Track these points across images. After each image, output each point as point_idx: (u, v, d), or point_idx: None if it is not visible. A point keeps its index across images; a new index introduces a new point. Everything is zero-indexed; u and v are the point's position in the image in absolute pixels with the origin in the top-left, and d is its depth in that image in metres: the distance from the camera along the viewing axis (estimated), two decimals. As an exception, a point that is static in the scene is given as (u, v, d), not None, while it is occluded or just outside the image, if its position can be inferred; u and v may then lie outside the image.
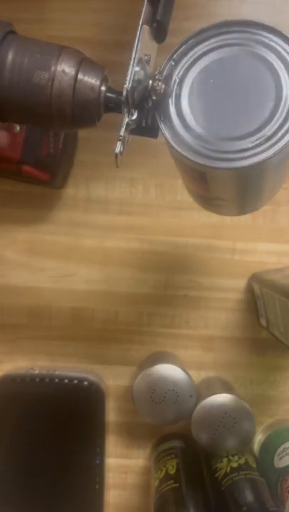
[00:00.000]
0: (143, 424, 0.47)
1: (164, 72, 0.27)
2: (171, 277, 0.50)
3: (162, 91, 0.26)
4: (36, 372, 0.47)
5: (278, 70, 0.25)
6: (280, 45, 0.26)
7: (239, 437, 0.44)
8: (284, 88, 0.25)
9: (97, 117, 0.27)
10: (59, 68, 0.25)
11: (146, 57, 0.27)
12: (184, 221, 0.50)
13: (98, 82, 0.26)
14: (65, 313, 0.51)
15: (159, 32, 0.29)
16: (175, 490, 0.42)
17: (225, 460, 0.44)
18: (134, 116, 0.26)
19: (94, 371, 0.49)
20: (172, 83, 0.26)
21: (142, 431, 0.50)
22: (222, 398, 0.44)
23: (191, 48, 0.27)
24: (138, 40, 0.26)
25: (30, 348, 0.51)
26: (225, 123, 0.25)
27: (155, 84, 0.26)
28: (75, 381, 0.46)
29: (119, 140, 0.26)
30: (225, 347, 0.50)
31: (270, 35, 0.26)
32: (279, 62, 0.25)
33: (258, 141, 0.25)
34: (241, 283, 0.50)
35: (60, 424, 0.46)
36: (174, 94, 0.26)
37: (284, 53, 0.26)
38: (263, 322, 0.48)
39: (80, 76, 0.26)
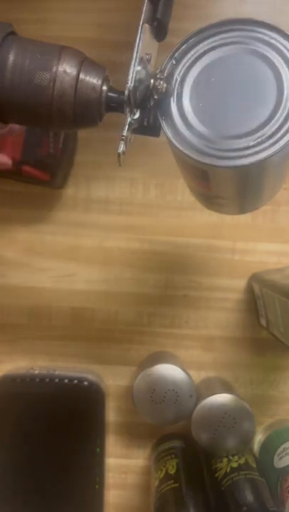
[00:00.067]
0: (143, 424, 0.47)
1: (166, 71, 0.27)
2: (171, 277, 0.50)
3: (164, 90, 0.26)
4: (36, 372, 0.47)
5: (279, 68, 0.25)
6: (280, 43, 0.26)
7: (239, 437, 0.44)
8: (285, 86, 0.25)
9: (98, 117, 0.27)
10: (60, 68, 0.25)
11: (147, 57, 0.27)
12: (184, 221, 0.50)
13: (100, 82, 0.26)
14: (65, 313, 0.51)
15: (160, 30, 0.29)
16: (175, 490, 0.42)
17: (225, 460, 0.44)
18: (137, 116, 0.27)
19: (94, 371, 0.49)
20: (174, 82, 0.26)
21: (142, 431, 0.50)
22: (222, 398, 0.44)
23: (192, 47, 0.27)
24: (139, 39, 0.26)
25: (30, 348, 0.51)
26: (226, 121, 0.25)
27: (157, 84, 0.26)
28: (75, 381, 0.46)
29: (122, 140, 0.26)
30: (225, 347, 0.50)
31: (271, 33, 0.26)
32: (280, 60, 0.25)
33: (259, 140, 0.25)
34: (241, 283, 0.50)
35: (60, 424, 0.46)
36: (175, 93, 0.26)
37: (285, 51, 0.26)
38: (263, 322, 0.48)
39: (81, 76, 0.26)
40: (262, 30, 0.26)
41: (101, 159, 0.50)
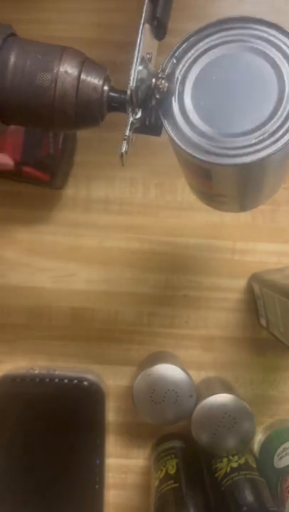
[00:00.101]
0: (143, 424, 0.47)
1: (167, 70, 0.27)
2: (171, 277, 0.50)
3: (165, 89, 0.26)
4: (36, 372, 0.47)
5: (280, 65, 0.25)
6: (281, 40, 0.26)
7: (239, 437, 0.44)
8: (286, 83, 0.25)
9: (100, 117, 0.27)
10: (62, 69, 0.25)
11: (148, 56, 0.27)
12: (184, 221, 0.50)
13: (101, 82, 0.26)
14: (65, 313, 0.51)
15: (159, 30, 0.29)
16: (175, 490, 0.42)
17: (225, 460, 0.44)
18: (139, 115, 0.27)
19: (94, 371, 0.49)
20: (175, 81, 0.26)
21: (142, 431, 0.50)
22: (222, 398, 0.44)
23: (193, 46, 0.27)
24: (140, 38, 0.26)
25: (30, 348, 0.51)
26: (228, 119, 0.25)
27: (158, 83, 0.26)
28: (75, 381, 0.46)
29: (125, 139, 0.26)
30: (225, 347, 0.50)
31: (271, 30, 0.26)
32: (281, 57, 0.25)
33: (261, 137, 0.25)
34: (241, 283, 0.50)
35: (60, 424, 0.46)
36: (176, 92, 0.26)
37: (285, 48, 0.26)
38: (263, 322, 0.48)
39: (82, 76, 0.26)
40: (262, 27, 0.26)
41: (101, 159, 0.50)
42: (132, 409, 0.46)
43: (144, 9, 0.27)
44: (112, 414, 0.50)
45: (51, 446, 0.46)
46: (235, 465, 0.43)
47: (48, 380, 0.46)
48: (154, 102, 0.26)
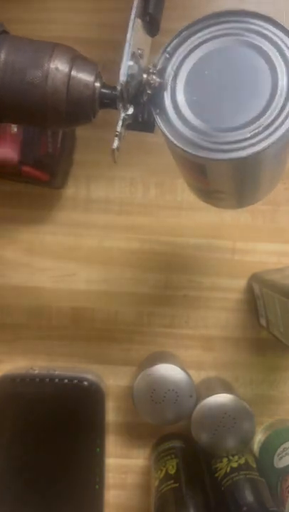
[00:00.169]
0: (143, 424, 0.47)
1: (159, 66, 0.26)
2: (171, 277, 0.50)
3: (157, 84, 0.26)
4: (36, 372, 0.47)
5: (273, 59, 0.25)
6: (273, 33, 0.25)
7: (239, 437, 0.44)
8: (280, 76, 0.25)
9: (92, 114, 0.27)
10: (52, 66, 0.25)
11: (139, 52, 0.27)
12: (183, 221, 0.50)
13: (92, 79, 0.26)
14: (65, 313, 0.51)
15: (152, 25, 0.29)
16: (175, 490, 0.42)
17: (225, 460, 0.44)
18: (130, 111, 0.26)
19: (94, 371, 0.49)
20: (167, 76, 0.26)
21: (142, 431, 0.50)
22: (222, 398, 0.44)
23: (185, 40, 0.26)
24: (130, 34, 0.26)
25: (30, 348, 0.51)
26: (221, 114, 0.25)
27: (149, 78, 0.26)
28: (75, 381, 0.46)
29: (116, 136, 0.26)
30: (225, 347, 0.50)
31: (264, 24, 0.26)
32: (274, 51, 0.25)
33: (255, 131, 0.25)
34: (241, 283, 0.50)
35: (60, 424, 0.46)
36: (169, 87, 0.26)
37: (278, 41, 0.25)
38: (263, 322, 0.48)
39: (73, 73, 0.26)
40: (254, 21, 0.26)
41: (101, 159, 0.50)
42: (132, 409, 0.46)
43: (135, 4, 0.27)
44: (112, 414, 0.50)
45: (51, 446, 0.46)
46: (235, 465, 0.43)
47: (48, 380, 0.46)
48: (145, 98, 0.26)
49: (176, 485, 0.42)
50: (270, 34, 0.25)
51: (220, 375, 0.50)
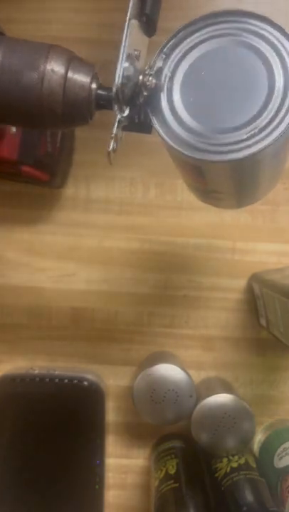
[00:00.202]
0: (143, 424, 0.47)
1: (155, 67, 0.26)
2: (171, 277, 0.50)
3: (153, 86, 0.26)
4: (36, 372, 0.47)
5: (270, 59, 0.25)
6: (271, 33, 0.25)
7: (239, 437, 0.44)
8: (276, 78, 0.25)
9: (88, 115, 0.27)
10: (48, 67, 0.25)
11: (136, 53, 0.27)
12: (183, 221, 0.50)
13: (88, 80, 0.26)
14: (65, 313, 0.51)
15: (149, 26, 0.29)
16: (175, 490, 0.42)
17: (225, 460, 0.44)
18: (126, 113, 0.26)
19: (94, 371, 0.49)
20: (163, 77, 0.26)
21: (142, 431, 0.50)
22: (222, 398, 0.44)
23: (182, 41, 0.26)
24: (126, 35, 0.26)
25: (30, 348, 0.51)
26: (218, 115, 0.25)
27: (145, 80, 0.26)
28: (75, 381, 0.46)
29: (112, 138, 0.26)
30: (225, 347, 0.50)
31: (260, 24, 0.25)
32: (271, 51, 0.25)
33: (252, 132, 0.24)
34: (241, 283, 0.50)
35: (60, 424, 0.46)
36: (165, 88, 0.26)
37: (275, 41, 0.25)
38: (263, 322, 0.48)
39: (69, 74, 0.25)
40: (251, 21, 0.26)
41: (101, 159, 0.49)
42: (132, 409, 0.46)
43: (130, 5, 0.27)
44: (112, 414, 0.50)
45: (51, 446, 0.46)
46: (235, 465, 0.43)
47: (48, 380, 0.46)
48: (141, 100, 0.26)
49: (176, 485, 0.42)
50: (267, 34, 0.25)
51: (220, 375, 0.50)
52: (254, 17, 0.26)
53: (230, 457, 0.44)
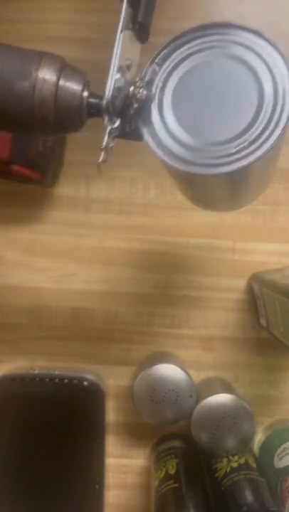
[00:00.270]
0: (143, 424, 0.47)
1: (146, 77, 0.26)
2: (171, 277, 0.50)
3: (144, 97, 0.26)
4: (36, 372, 0.47)
5: (260, 72, 0.25)
6: (260, 47, 0.25)
7: (239, 437, 0.44)
8: (266, 91, 0.25)
9: (80, 123, 0.27)
10: (40, 75, 0.25)
11: (127, 62, 0.27)
12: (183, 221, 0.50)
13: (80, 88, 0.26)
14: (65, 313, 0.51)
15: (142, 33, 0.29)
16: (175, 490, 0.42)
17: (225, 460, 0.44)
18: (117, 124, 0.26)
19: (94, 371, 0.49)
20: (154, 87, 0.26)
21: (142, 431, 0.50)
22: (222, 398, 0.44)
23: (174, 51, 0.26)
24: (117, 48, 0.26)
25: (30, 348, 0.51)
26: (208, 128, 0.25)
27: (136, 92, 0.26)
28: (75, 381, 0.46)
29: (102, 150, 0.26)
30: (225, 347, 0.50)
31: (253, 37, 0.25)
32: (260, 64, 0.25)
33: (241, 146, 0.24)
34: (241, 283, 0.50)
35: (60, 424, 0.46)
36: (156, 100, 0.26)
37: (266, 56, 0.25)
38: (263, 322, 0.48)
39: (61, 82, 0.25)
40: (244, 34, 0.26)
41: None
42: (132, 409, 0.46)
43: (122, 16, 0.27)
44: (112, 414, 0.50)
45: (51, 446, 0.46)
46: (235, 465, 0.43)
47: (48, 380, 0.46)
48: (132, 112, 0.26)
49: (176, 485, 0.42)
50: (257, 48, 0.25)
51: (220, 375, 0.50)
52: (246, 30, 0.26)
53: (230, 457, 0.44)
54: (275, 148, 0.24)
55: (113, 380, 0.50)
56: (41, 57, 0.25)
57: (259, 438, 0.48)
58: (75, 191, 0.50)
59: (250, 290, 0.50)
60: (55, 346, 0.50)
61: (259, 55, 0.25)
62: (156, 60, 0.26)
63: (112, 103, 0.25)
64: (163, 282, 0.50)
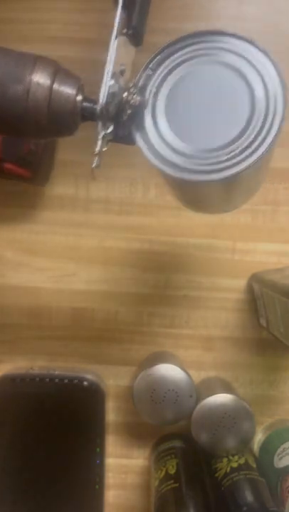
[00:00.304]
0: (143, 424, 0.47)
1: (140, 83, 0.26)
2: (171, 277, 0.50)
3: (137, 103, 0.26)
4: (36, 372, 0.47)
5: (252, 80, 0.25)
6: (253, 55, 0.25)
7: (239, 437, 0.44)
8: (258, 98, 0.25)
9: (74, 127, 0.27)
10: (34, 80, 0.25)
11: (121, 67, 0.27)
12: (183, 221, 0.50)
13: (74, 92, 0.26)
14: (65, 313, 0.51)
15: (136, 38, 0.29)
16: (175, 490, 0.42)
17: (225, 460, 0.44)
18: (110, 130, 0.26)
19: (94, 371, 0.49)
20: (148, 93, 0.26)
21: (142, 431, 0.50)
22: (222, 398, 0.44)
23: (167, 58, 0.26)
24: (112, 54, 0.26)
25: (30, 348, 0.51)
26: (200, 135, 0.25)
27: (129, 98, 0.26)
28: (75, 381, 0.46)
29: (96, 155, 0.26)
30: (225, 347, 0.50)
31: (245, 45, 0.26)
32: (253, 72, 0.25)
33: (233, 153, 0.25)
34: (241, 283, 0.50)
35: (60, 424, 0.46)
36: (150, 106, 0.26)
37: (258, 64, 0.25)
38: (263, 322, 0.48)
39: (55, 87, 0.25)
40: (234, 41, 0.26)
41: (100, 159, 0.49)
42: (132, 409, 0.46)
43: (116, 22, 0.27)
44: (112, 414, 0.50)
45: (51, 446, 0.46)
46: (235, 465, 0.43)
47: (48, 380, 0.46)
48: (125, 117, 0.26)
49: (176, 485, 0.42)
50: (249, 56, 0.25)
51: (220, 375, 0.50)
52: (238, 38, 0.26)
53: (230, 457, 0.44)
54: (267, 155, 0.25)
55: (113, 380, 0.50)
56: (35, 61, 0.25)
57: (259, 438, 0.48)
58: (75, 191, 0.50)
59: (250, 290, 0.50)
60: (55, 346, 0.50)
61: (251, 63, 0.25)
62: (150, 66, 0.26)
63: (105, 109, 0.25)
64: (163, 282, 0.50)
